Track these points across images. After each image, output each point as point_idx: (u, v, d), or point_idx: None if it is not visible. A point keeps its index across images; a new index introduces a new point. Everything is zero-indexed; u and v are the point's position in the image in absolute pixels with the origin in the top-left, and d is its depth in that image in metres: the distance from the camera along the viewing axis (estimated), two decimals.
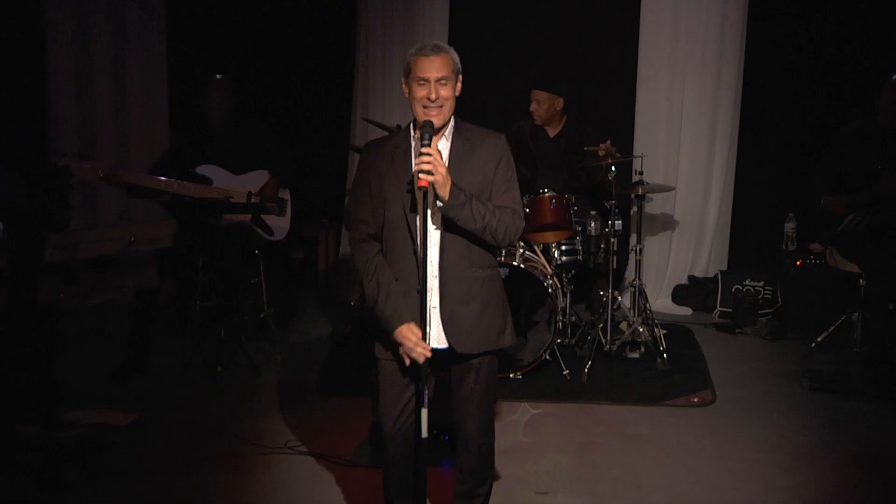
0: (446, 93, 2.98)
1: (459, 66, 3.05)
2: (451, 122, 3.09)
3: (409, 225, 3.02)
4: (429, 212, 2.90)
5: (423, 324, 2.92)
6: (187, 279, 5.46)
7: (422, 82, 2.96)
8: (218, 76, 5.33)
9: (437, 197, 2.90)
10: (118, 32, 6.67)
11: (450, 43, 3.32)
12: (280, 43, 7.02)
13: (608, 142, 5.41)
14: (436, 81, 2.95)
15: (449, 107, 3.00)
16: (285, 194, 5.47)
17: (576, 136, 5.89)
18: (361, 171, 3.17)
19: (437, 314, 3.07)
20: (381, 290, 3.05)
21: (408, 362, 2.98)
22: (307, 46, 7.03)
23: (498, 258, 4.82)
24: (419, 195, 2.92)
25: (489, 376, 3.20)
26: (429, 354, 2.94)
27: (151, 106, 6.83)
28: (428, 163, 2.82)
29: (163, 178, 4.99)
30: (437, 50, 2.98)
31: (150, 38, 6.77)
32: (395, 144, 3.12)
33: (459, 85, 3.06)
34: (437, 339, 3.07)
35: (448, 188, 2.88)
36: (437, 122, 2.97)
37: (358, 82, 6.94)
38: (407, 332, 2.96)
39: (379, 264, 3.08)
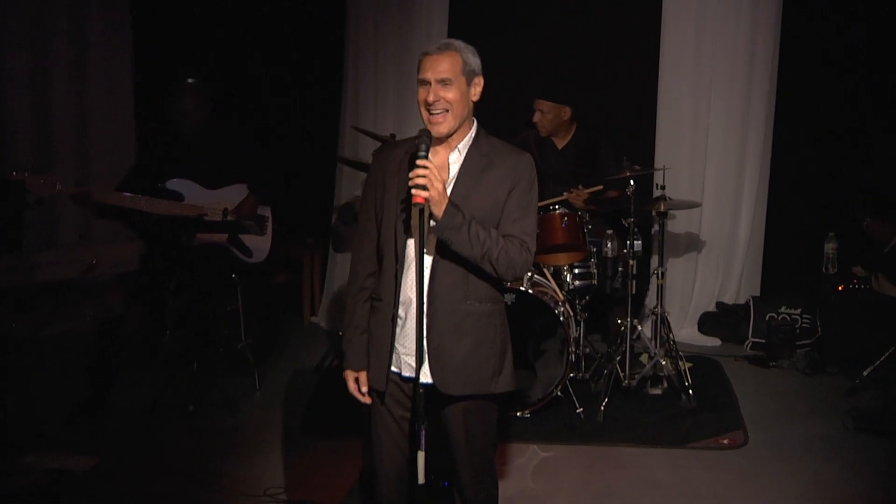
0: (450, 95, 2.96)
1: (475, 67, 3.02)
2: (472, 133, 3.08)
3: (396, 245, 3.03)
4: (425, 232, 2.89)
5: (417, 355, 2.92)
6: (156, 306, 5.44)
7: (423, 84, 2.97)
8: (190, 79, 5.35)
9: (430, 215, 2.88)
10: (78, 32, 6.69)
11: None
12: (260, 44, 7.05)
13: (582, 189, 5.47)
14: (436, 82, 2.95)
15: (456, 113, 2.98)
16: (266, 211, 5.48)
17: (587, 146, 5.91)
18: (367, 186, 3.19)
19: (423, 345, 3.04)
20: (347, 329, 3.22)
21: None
22: (290, 48, 7.07)
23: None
24: (415, 213, 2.91)
25: (484, 423, 3.18)
26: (367, 401, 3.14)
27: (116, 113, 6.86)
28: (422, 176, 2.81)
29: (130, 195, 5.00)
30: (443, 48, 2.98)
31: (114, 38, 6.80)
32: (407, 150, 3.08)
33: (478, 89, 3.04)
34: (426, 372, 3.05)
35: (444, 206, 2.86)
36: (439, 131, 2.97)
37: (347, 88, 6.97)
38: (348, 376, 3.19)
39: (361, 312, 3.20)
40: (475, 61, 3.02)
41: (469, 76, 3.00)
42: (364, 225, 3.19)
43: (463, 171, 3.04)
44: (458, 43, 3.02)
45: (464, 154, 3.06)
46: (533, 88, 6.01)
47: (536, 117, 5.88)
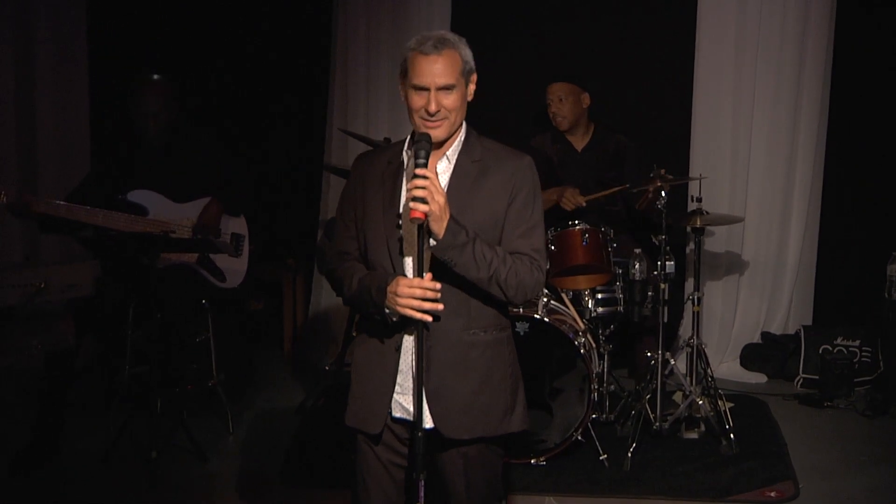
0: (451, 102, 2.99)
1: (472, 63, 3.06)
2: (461, 135, 3.12)
3: (394, 268, 3.06)
4: (425, 252, 2.93)
5: (416, 395, 2.94)
6: (113, 338, 5.47)
7: (419, 90, 2.99)
8: (155, 76, 5.39)
9: (429, 233, 2.91)
10: (24, 22, 6.72)
11: None
12: (235, 38, 7.09)
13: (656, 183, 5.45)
14: (437, 90, 2.98)
15: (455, 119, 3.03)
16: (242, 228, 5.51)
17: (610, 148, 5.95)
18: (346, 192, 3.23)
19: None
20: (359, 270, 3.12)
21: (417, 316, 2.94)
22: (269, 42, 7.11)
23: (514, 310, 4.87)
24: (410, 229, 2.96)
25: (487, 471, 3.22)
26: (439, 307, 2.92)
27: (68, 115, 6.87)
28: (422, 188, 2.83)
29: (85, 208, 5.04)
30: (440, 46, 2.98)
31: (66, 29, 6.82)
32: (389, 159, 3.15)
33: (472, 86, 3.09)
34: (425, 415, 3.05)
35: (445, 223, 2.89)
36: (437, 136, 3.01)
37: (335, 86, 7.00)
38: (404, 281, 2.94)
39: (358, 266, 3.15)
40: (471, 56, 3.06)
41: (468, 76, 3.05)
42: (340, 227, 3.23)
43: (454, 180, 3.07)
44: (452, 37, 3.04)
45: (454, 161, 3.10)
46: (542, 76, 6.05)
47: (554, 107, 5.91)
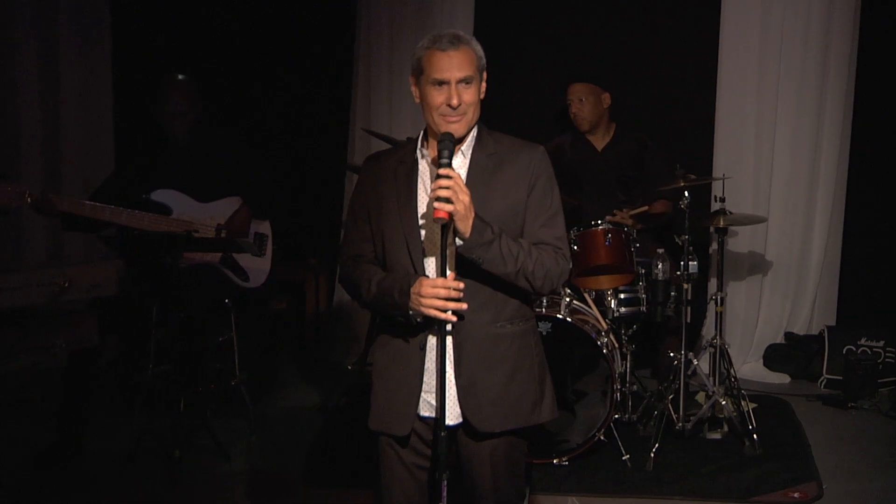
0: (470, 97, 3.02)
1: (484, 60, 3.10)
2: (473, 132, 3.14)
3: (415, 268, 3.06)
4: (447, 251, 2.93)
5: (439, 394, 2.94)
6: (136, 337, 5.50)
7: (439, 85, 3.01)
8: (180, 76, 5.42)
9: (455, 233, 2.92)
10: (48, 20, 6.75)
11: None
12: (258, 37, 7.12)
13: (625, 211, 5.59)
14: (457, 83, 3.00)
15: (472, 115, 3.06)
16: (265, 228, 5.53)
17: (631, 147, 5.95)
18: (357, 195, 3.25)
19: (452, 380, 3.08)
20: (376, 273, 3.11)
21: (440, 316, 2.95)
22: (293, 42, 7.14)
23: (537, 309, 4.87)
24: (433, 229, 2.97)
25: (511, 467, 3.22)
26: (463, 306, 2.93)
27: (92, 114, 6.91)
28: (447, 188, 2.84)
29: (109, 207, 5.06)
30: (456, 42, 3.02)
31: (90, 27, 6.86)
32: (401, 159, 3.17)
33: (484, 84, 3.12)
34: (451, 412, 3.08)
35: (470, 221, 2.90)
36: (457, 132, 3.02)
37: (358, 86, 7.03)
38: (427, 282, 2.95)
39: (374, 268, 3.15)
40: (482, 53, 3.10)
41: (481, 72, 3.09)
42: (352, 229, 3.24)
43: (471, 175, 3.09)
44: (465, 34, 3.09)
45: (469, 157, 3.12)
46: (564, 76, 6.05)
47: (574, 108, 5.93)
